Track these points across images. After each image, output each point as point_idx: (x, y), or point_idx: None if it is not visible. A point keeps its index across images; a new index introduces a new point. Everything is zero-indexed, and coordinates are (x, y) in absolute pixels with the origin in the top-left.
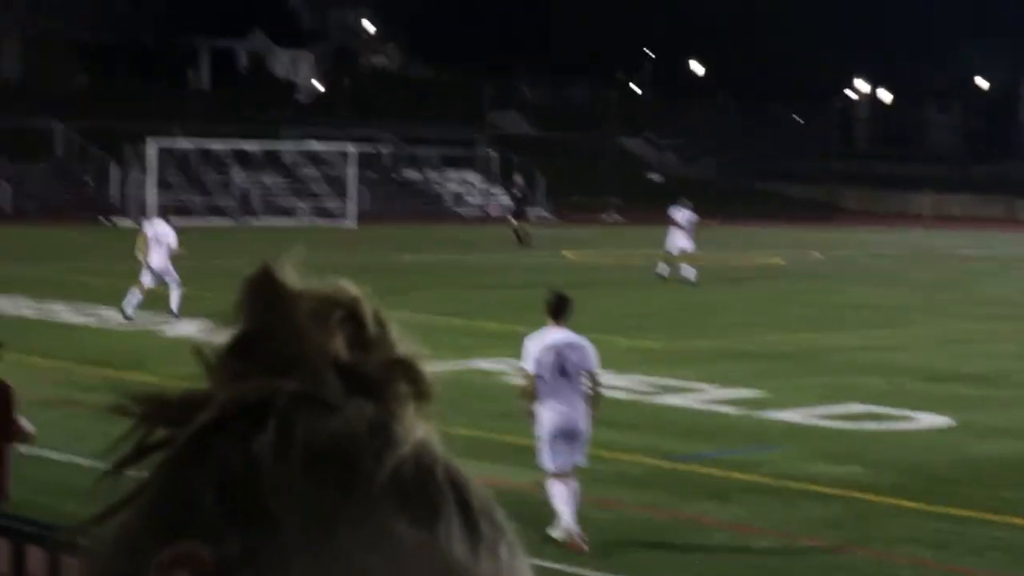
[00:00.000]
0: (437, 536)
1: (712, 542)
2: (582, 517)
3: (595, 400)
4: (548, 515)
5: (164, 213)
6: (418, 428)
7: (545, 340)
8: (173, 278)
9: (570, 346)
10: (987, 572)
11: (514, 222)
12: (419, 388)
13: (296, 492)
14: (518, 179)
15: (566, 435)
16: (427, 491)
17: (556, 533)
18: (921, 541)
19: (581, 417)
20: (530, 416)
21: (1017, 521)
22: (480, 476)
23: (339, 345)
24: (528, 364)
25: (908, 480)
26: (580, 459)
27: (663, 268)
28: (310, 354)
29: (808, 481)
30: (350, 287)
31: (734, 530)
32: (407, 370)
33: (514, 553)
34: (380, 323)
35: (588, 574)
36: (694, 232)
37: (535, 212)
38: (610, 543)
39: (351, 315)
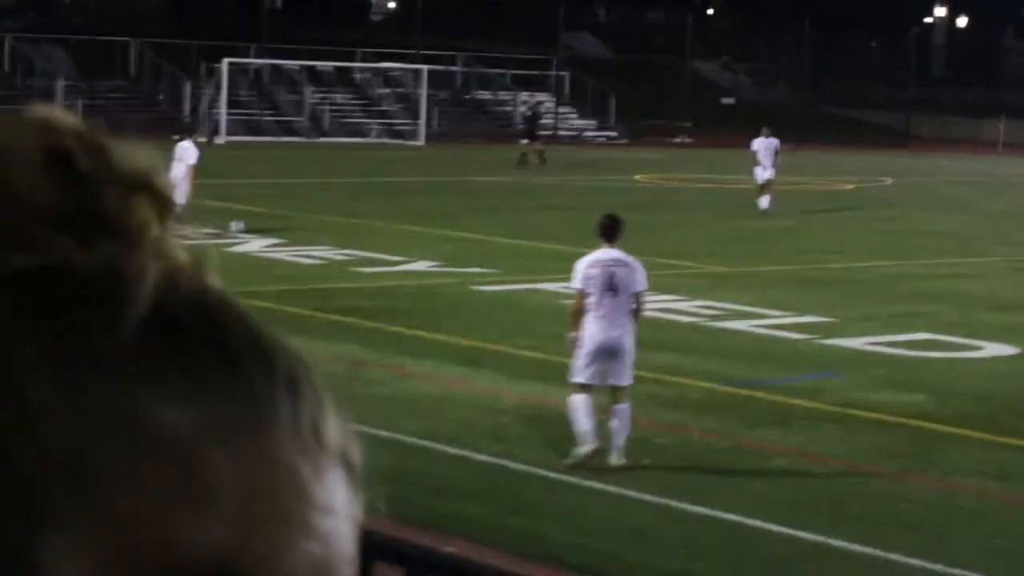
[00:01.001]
0: (203, 422)
1: (773, 468)
2: (642, 440)
3: (635, 318)
4: (610, 438)
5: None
6: (161, 260)
7: (594, 257)
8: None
9: (619, 263)
10: None
11: (523, 143)
12: (159, 205)
13: (41, 391)
14: (530, 99)
15: (607, 351)
16: (181, 351)
17: (574, 457)
18: (984, 471)
19: (626, 335)
20: (573, 339)
21: None
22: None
23: (51, 193)
24: (576, 282)
25: (973, 409)
26: (625, 379)
27: (763, 201)
28: (19, 217)
29: (872, 409)
30: (41, 115)
31: (796, 456)
32: (143, 188)
33: (321, 410)
34: (95, 147)
35: (648, 498)
36: (775, 160)
37: (605, 134)
38: (671, 467)
39: (54, 153)
